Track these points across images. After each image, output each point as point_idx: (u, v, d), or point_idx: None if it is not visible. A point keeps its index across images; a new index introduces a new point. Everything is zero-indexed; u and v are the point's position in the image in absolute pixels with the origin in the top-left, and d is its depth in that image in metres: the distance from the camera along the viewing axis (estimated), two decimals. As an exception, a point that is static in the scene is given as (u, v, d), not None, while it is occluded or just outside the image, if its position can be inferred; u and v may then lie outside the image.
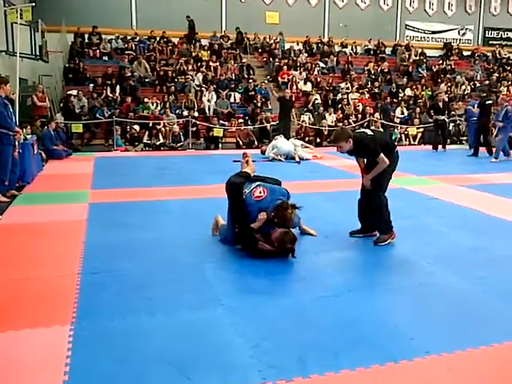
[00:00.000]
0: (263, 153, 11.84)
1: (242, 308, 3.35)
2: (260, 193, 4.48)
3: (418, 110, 16.87)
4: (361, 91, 18.12)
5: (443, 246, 4.78)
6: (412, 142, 15.98)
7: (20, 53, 11.83)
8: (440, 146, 13.67)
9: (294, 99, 15.19)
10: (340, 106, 16.98)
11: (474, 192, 7.57)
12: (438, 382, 2.50)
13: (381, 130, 14.41)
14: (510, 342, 2.86)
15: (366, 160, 4.91)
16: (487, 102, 12.83)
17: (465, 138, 16.08)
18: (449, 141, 16.03)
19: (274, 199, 4.44)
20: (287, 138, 12.68)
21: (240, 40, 20.31)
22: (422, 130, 16.19)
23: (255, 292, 3.64)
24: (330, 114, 16.22)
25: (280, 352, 2.75)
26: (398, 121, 16.73)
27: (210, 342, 2.87)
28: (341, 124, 16.01)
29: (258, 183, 4.62)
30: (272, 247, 4.34)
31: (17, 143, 7.12)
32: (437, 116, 13.50)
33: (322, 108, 16.60)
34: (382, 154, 4.63)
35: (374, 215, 4.91)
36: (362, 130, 4.93)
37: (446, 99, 15.87)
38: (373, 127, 15.03)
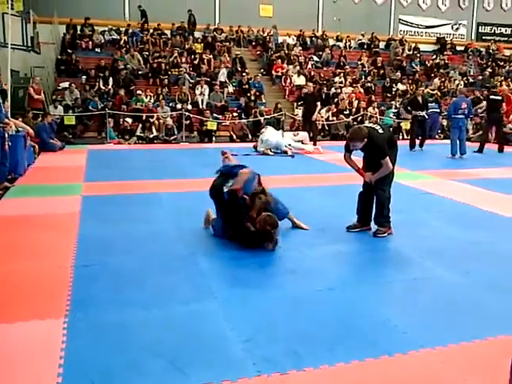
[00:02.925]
0: (256, 148, 11.77)
1: (235, 301, 3.35)
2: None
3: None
4: (354, 85, 18.11)
5: (437, 241, 4.80)
6: (405, 137, 15.99)
7: (11, 44, 11.70)
8: (417, 143, 12.90)
9: (314, 91, 14.37)
10: (336, 100, 16.94)
11: (466, 186, 7.60)
12: (433, 375, 2.51)
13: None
14: (504, 336, 2.88)
15: (365, 153, 4.93)
16: (492, 97, 12.40)
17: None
18: (441, 136, 16.11)
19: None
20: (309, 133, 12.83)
21: (191, 23, 19.96)
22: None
23: (248, 285, 3.64)
24: (327, 111, 16.14)
25: (274, 345, 2.75)
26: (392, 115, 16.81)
27: (203, 335, 2.87)
28: (335, 118, 16.02)
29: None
30: (254, 227, 4.36)
31: (6, 135, 7.01)
32: (416, 112, 12.69)
33: (315, 102, 16.56)
34: (387, 158, 4.71)
35: (376, 209, 4.96)
36: (372, 126, 4.94)
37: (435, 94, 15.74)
38: (367, 122, 15.05)
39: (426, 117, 12.92)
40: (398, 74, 19.54)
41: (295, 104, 16.69)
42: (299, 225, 5.11)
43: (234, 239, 4.59)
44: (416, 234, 5.04)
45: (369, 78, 18.97)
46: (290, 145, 11.65)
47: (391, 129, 15.18)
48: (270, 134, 11.63)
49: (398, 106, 17.09)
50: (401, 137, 15.66)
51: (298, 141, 12.13)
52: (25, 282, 3.65)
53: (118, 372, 2.49)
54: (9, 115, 8.25)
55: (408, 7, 23.55)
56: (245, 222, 4.41)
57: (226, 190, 4.61)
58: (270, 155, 11.04)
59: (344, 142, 5.17)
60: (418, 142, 12.90)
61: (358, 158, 5.09)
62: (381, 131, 4.81)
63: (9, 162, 7.25)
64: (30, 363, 2.55)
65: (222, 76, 17.32)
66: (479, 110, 14.07)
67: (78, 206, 5.96)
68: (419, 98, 12.92)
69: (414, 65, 20.79)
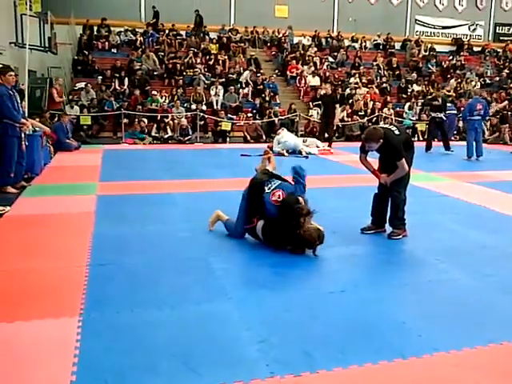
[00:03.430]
0: (271, 149, 11.76)
1: (249, 301, 3.35)
2: (278, 197, 4.46)
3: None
4: (369, 86, 18.03)
5: (452, 243, 4.75)
6: (420, 138, 15.89)
7: (29, 44, 11.84)
8: (432, 145, 12.55)
9: (332, 93, 13.46)
10: (351, 101, 16.88)
11: (482, 189, 7.52)
12: (447, 379, 2.49)
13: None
14: (520, 340, 2.84)
15: (381, 155, 4.91)
16: None
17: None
18: (458, 137, 15.97)
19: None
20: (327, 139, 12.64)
21: (197, 24, 19.88)
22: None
23: (262, 285, 3.63)
24: (342, 110, 16.09)
25: (287, 346, 2.75)
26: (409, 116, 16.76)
27: (217, 336, 2.87)
28: (349, 119, 15.96)
29: (278, 183, 4.60)
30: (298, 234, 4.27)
31: (23, 135, 7.08)
32: (435, 114, 12.46)
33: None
34: (403, 160, 4.68)
35: (390, 211, 4.94)
36: (388, 127, 4.92)
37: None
38: (381, 123, 14.97)
39: (445, 118, 12.68)
40: (414, 74, 19.42)
41: (310, 104, 16.69)
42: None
43: (261, 234, 4.53)
44: (431, 236, 5.00)
45: (384, 79, 18.87)
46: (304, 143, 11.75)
47: (408, 130, 15.06)
48: (287, 136, 11.66)
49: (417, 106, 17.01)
50: (416, 138, 15.54)
51: (306, 146, 12.11)
52: (40, 280, 3.68)
53: (132, 372, 2.50)
54: (26, 115, 8.34)
55: (424, 8, 23.40)
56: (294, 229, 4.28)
57: (268, 191, 4.51)
58: (284, 156, 11.03)
59: (359, 143, 5.15)
60: (433, 143, 12.74)
61: (373, 159, 5.06)
62: (397, 132, 4.78)
63: (25, 161, 7.33)
64: (45, 361, 2.58)
65: (245, 77, 17.37)
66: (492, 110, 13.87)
67: (93, 206, 6.01)
68: (439, 100, 12.66)
69: (430, 66, 20.64)
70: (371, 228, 5.04)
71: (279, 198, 4.45)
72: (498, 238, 4.95)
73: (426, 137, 15.33)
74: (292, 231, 4.25)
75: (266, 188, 4.54)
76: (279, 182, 4.64)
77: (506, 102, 13.51)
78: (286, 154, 11.20)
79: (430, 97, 14.38)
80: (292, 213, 4.29)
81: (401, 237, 4.86)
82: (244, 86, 16.97)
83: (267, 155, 5.23)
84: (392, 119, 16.01)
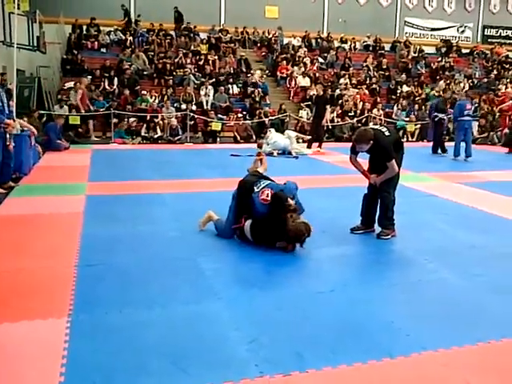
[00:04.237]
0: (260, 147, 11.77)
1: (239, 301, 3.35)
2: (267, 196, 4.49)
3: (416, 106, 16.90)
4: (359, 87, 18.10)
5: (441, 243, 4.78)
6: (410, 139, 15.98)
7: (17, 43, 11.73)
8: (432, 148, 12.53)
9: (324, 94, 12.85)
10: (340, 102, 16.93)
11: (471, 189, 7.57)
12: (435, 378, 2.50)
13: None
14: (508, 339, 2.87)
15: (371, 156, 4.93)
16: None
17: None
18: (447, 138, 16.07)
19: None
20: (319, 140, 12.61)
21: (178, 19, 19.81)
22: (419, 126, 16.22)
23: (252, 285, 3.64)
24: (332, 111, 16.11)
25: (277, 346, 2.75)
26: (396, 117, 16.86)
27: (206, 336, 2.86)
28: (339, 120, 16.00)
29: (267, 183, 4.65)
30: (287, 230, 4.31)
31: (8, 136, 6.95)
32: (442, 115, 12.26)
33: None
34: (393, 161, 4.71)
35: (380, 211, 4.96)
36: (379, 128, 4.94)
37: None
38: (371, 123, 15.03)
39: (445, 119, 12.70)
40: (403, 76, 19.51)
41: (301, 104, 16.70)
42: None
43: (250, 234, 4.52)
44: (420, 236, 5.02)
45: (374, 80, 18.94)
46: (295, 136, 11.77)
47: (402, 131, 15.09)
48: (276, 137, 11.67)
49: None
50: (405, 139, 15.61)
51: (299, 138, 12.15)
52: (28, 281, 3.65)
53: (121, 372, 2.49)
54: (14, 115, 8.25)
55: (414, 9, 23.54)
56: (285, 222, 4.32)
57: (256, 190, 4.55)
58: (274, 156, 11.04)
59: (349, 144, 5.16)
60: (423, 144, 12.77)
61: (363, 160, 5.08)
62: (387, 133, 4.80)
63: (13, 161, 7.25)
64: (33, 362, 2.55)
65: (256, 76, 17.34)
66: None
67: (82, 206, 5.97)
68: (447, 101, 12.56)
69: (419, 67, 20.75)
70: (360, 228, 5.06)
71: (267, 196, 4.48)
72: (487, 238, 4.99)
73: (416, 138, 15.47)
74: (281, 226, 4.28)
75: (256, 188, 4.58)
76: (268, 182, 4.70)
77: (511, 102, 13.47)
78: (275, 154, 11.21)
79: (440, 97, 14.25)
80: (282, 206, 4.34)
81: (389, 237, 4.88)
82: (189, 83, 16.63)
83: (259, 157, 5.25)
84: (381, 120, 16.08)
